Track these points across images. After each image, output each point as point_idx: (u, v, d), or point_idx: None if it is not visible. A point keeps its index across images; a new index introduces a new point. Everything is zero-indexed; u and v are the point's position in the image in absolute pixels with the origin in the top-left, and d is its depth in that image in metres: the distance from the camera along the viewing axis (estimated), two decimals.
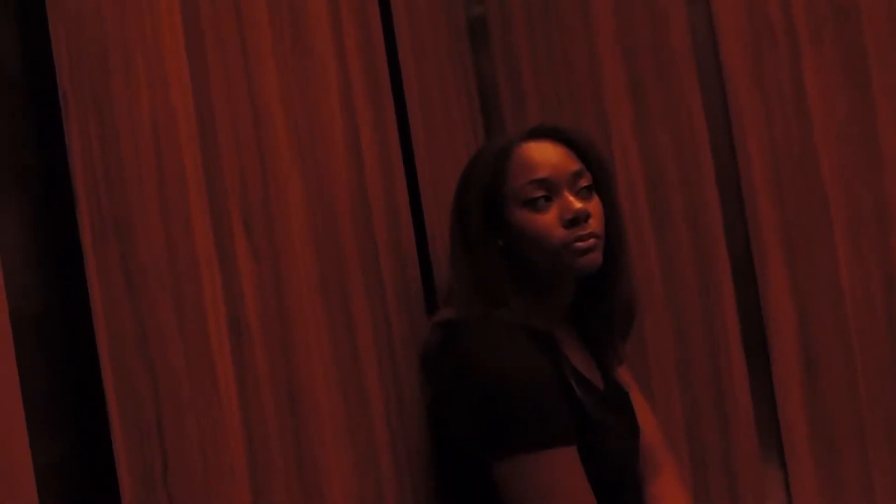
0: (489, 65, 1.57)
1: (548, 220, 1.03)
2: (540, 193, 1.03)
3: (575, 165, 1.06)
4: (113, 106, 0.60)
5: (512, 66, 1.55)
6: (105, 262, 0.58)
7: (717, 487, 1.45)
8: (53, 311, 0.55)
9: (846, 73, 1.38)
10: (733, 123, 1.43)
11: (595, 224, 1.04)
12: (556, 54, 1.53)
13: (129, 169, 0.61)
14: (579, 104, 1.52)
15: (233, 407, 0.68)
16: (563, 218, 1.02)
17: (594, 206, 1.06)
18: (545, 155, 1.05)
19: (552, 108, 1.53)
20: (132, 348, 0.59)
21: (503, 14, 1.56)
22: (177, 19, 0.68)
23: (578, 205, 1.02)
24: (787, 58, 1.41)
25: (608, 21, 1.50)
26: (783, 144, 1.43)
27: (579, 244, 1.02)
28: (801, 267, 1.42)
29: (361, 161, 1.01)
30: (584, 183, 1.06)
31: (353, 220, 0.96)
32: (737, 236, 1.44)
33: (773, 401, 1.42)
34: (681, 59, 1.45)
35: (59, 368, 0.55)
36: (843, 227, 1.40)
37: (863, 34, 1.38)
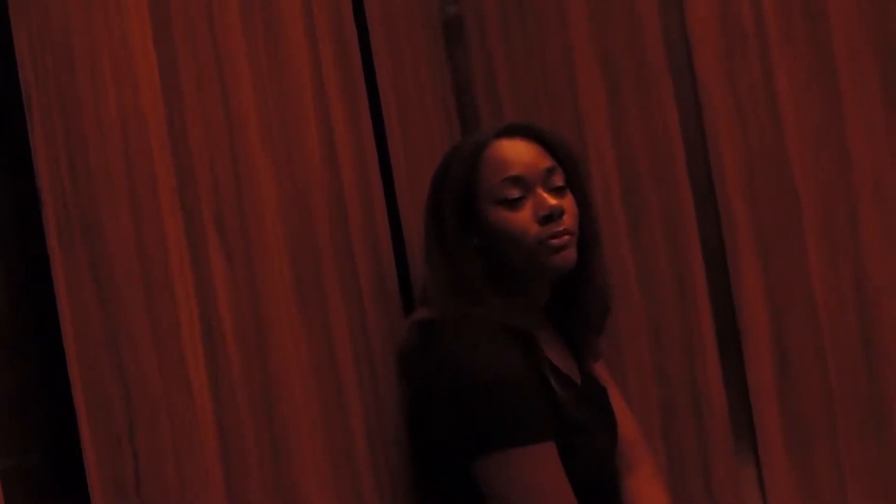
0: (465, 64, 1.57)
1: (522, 218, 1.03)
2: (514, 191, 1.02)
3: (548, 162, 1.05)
4: (79, 106, 0.59)
5: (488, 66, 1.55)
6: (73, 266, 0.57)
7: (693, 483, 1.46)
8: (19, 316, 0.54)
9: (816, 76, 1.40)
10: (706, 125, 1.45)
11: (569, 221, 1.04)
12: (532, 54, 1.53)
13: (97, 170, 0.60)
14: (555, 103, 1.52)
15: (206, 410, 0.67)
16: (537, 215, 1.02)
17: (568, 203, 1.05)
18: (518, 153, 1.05)
19: (528, 107, 1.53)
20: (102, 353, 0.58)
21: (479, 13, 1.55)
22: (145, 16, 0.67)
23: (553, 201, 1.02)
24: (759, 60, 1.43)
25: (583, 22, 1.50)
26: (755, 145, 1.44)
27: (554, 241, 1.01)
28: (774, 266, 1.43)
29: (336, 160, 1.00)
30: (557, 180, 1.05)
31: (329, 220, 0.95)
32: (710, 236, 1.45)
33: (746, 398, 1.44)
34: (654, 60, 1.46)
35: (26, 375, 0.54)
36: (814, 226, 1.42)
37: (832, 38, 1.40)
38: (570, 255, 1.03)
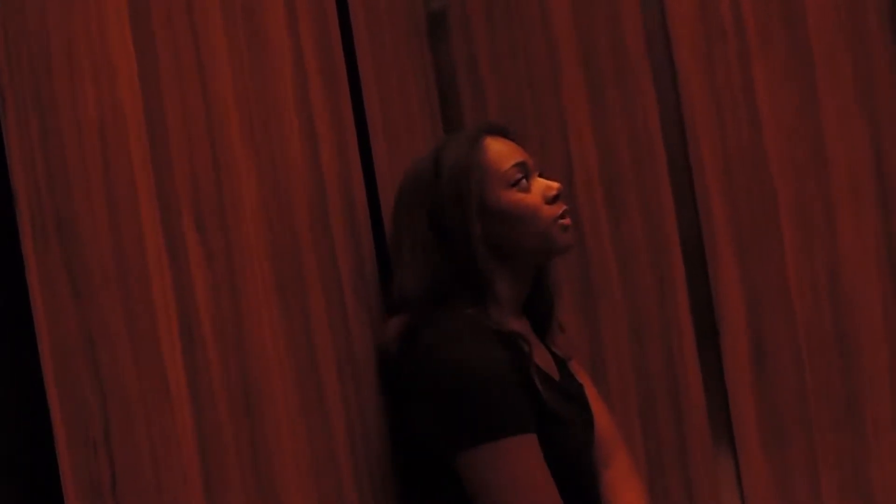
0: (449, 59, 1.56)
1: (534, 199, 1.08)
2: (521, 175, 1.08)
3: (530, 155, 1.12)
4: (55, 102, 0.58)
5: (471, 61, 1.55)
6: (47, 265, 0.55)
7: (672, 478, 1.48)
8: None
9: (794, 74, 1.42)
10: (686, 122, 1.46)
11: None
12: (515, 49, 1.53)
13: (73, 168, 0.58)
14: (538, 99, 1.52)
15: (185, 413, 0.66)
16: (546, 196, 1.07)
17: None
18: (509, 145, 1.11)
19: (511, 101, 1.53)
20: (77, 355, 0.56)
21: (463, 8, 1.55)
22: (123, 11, 0.66)
23: (556, 183, 1.08)
24: (738, 59, 1.44)
25: (566, 18, 1.50)
26: (734, 142, 1.46)
27: (563, 220, 1.07)
28: (751, 261, 1.45)
29: (318, 158, 0.99)
30: (540, 169, 1.12)
31: (310, 219, 0.94)
32: (689, 232, 1.47)
33: (724, 392, 1.46)
34: (635, 58, 1.47)
35: None
36: (790, 222, 1.44)
37: (809, 35, 1.41)
38: (573, 236, 1.11)
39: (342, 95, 1.09)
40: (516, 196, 1.07)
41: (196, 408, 0.67)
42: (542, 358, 1.12)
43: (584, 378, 1.21)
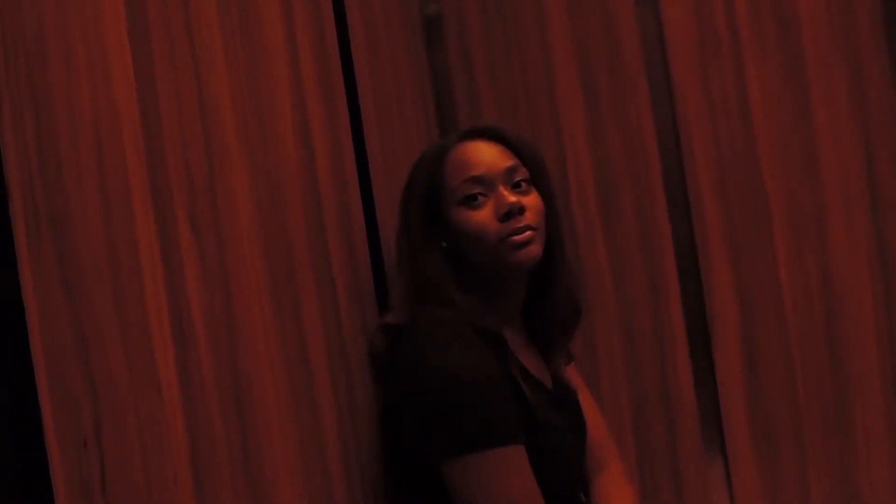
0: (444, 62, 1.56)
1: (483, 216, 1.03)
2: (476, 190, 1.04)
3: (509, 161, 1.06)
4: (51, 98, 0.57)
5: (467, 65, 1.55)
6: (40, 261, 0.55)
7: (663, 482, 1.48)
8: None
9: (787, 81, 1.43)
10: (680, 128, 1.47)
11: (532, 217, 1.04)
12: (511, 54, 1.53)
13: (68, 163, 0.58)
14: (533, 103, 1.52)
15: (176, 412, 0.66)
16: (497, 212, 1.03)
17: (531, 200, 1.06)
18: (480, 153, 1.06)
19: (506, 106, 1.53)
20: (69, 352, 0.56)
21: (459, 13, 1.55)
22: (120, 8, 0.65)
23: (512, 198, 1.02)
24: (732, 65, 1.45)
25: (561, 23, 1.51)
26: (727, 148, 1.47)
27: (515, 238, 1.02)
28: (744, 267, 1.46)
29: (313, 158, 0.98)
30: (519, 177, 1.06)
31: (304, 218, 0.94)
32: (683, 237, 1.48)
33: (716, 398, 1.47)
34: (631, 64, 1.48)
35: None
36: (783, 229, 1.45)
37: (803, 44, 1.42)
38: (534, 250, 1.04)
39: (338, 96, 1.09)
40: (464, 213, 1.03)
41: (187, 407, 0.67)
42: (533, 363, 1.12)
43: (578, 384, 1.21)
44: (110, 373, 0.60)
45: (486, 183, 1.04)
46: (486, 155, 1.06)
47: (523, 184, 1.06)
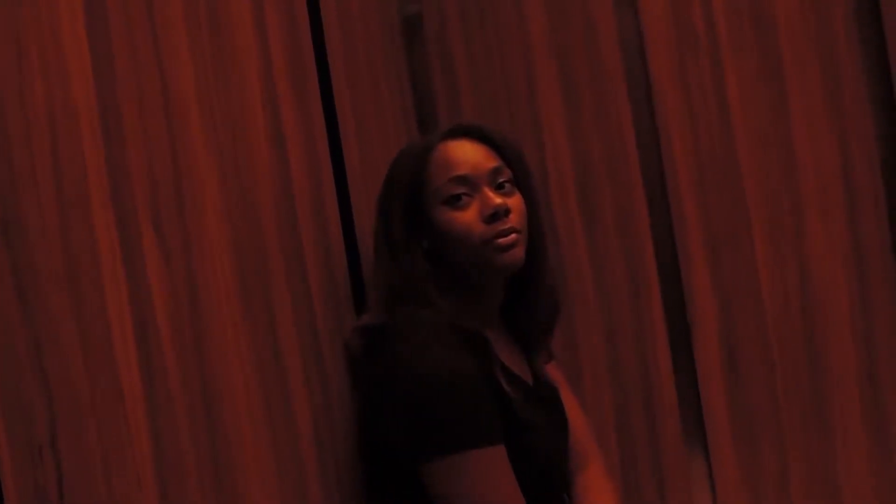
0: (424, 62, 1.55)
1: (468, 217, 1.02)
2: (460, 191, 1.02)
3: (494, 162, 1.05)
4: (2, 99, 0.56)
5: (447, 65, 1.54)
6: None
7: (645, 479, 1.48)
8: None
9: (764, 80, 1.44)
10: (659, 128, 1.47)
11: (516, 219, 1.03)
12: (491, 54, 1.53)
13: (21, 166, 0.57)
14: (513, 103, 1.52)
15: (139, 418, 0.64)
16: (483, 214, 1.01)
17: (515, 201, 1.05)
18: (465, 153, 1.04)
19: (486, 106, 1.52)
20: (22, 359, 0.55)
21: (439, 12, 1.54)
22: (77, 5, 0.64)
23: (498, 200, 1.01)
24: (710, 65, 1.46)
25: (541, 23, 1.51)
26: (706, 148, 1.47)
27: (500, 240, 1.01)
28: (723, 265, 1.47)
29: (286, 159, 0.97)
30: (503, 178, 1.05)
31: (276, 218, 0.93)
32: (663, 236, 1.48)
33: (696, 394, 1.48)
34: (610, 64, 1.48)
35: None
36: (761, 227, 1.46)
37: (779, 43, 1.43)
38: (518, 253, 1.03)
39: (312, 97, 1.07)
40: (448, 214, 1.02)
41: (151, 411, 0.66)
42: (514, 362, 1.11)
43: (560, 381, 1.20)
44: (68, 380, 0.58)
45: (470, 183, 1.03)
46: (471, 155, 1.04)
47: (507, 185, 1.05)
